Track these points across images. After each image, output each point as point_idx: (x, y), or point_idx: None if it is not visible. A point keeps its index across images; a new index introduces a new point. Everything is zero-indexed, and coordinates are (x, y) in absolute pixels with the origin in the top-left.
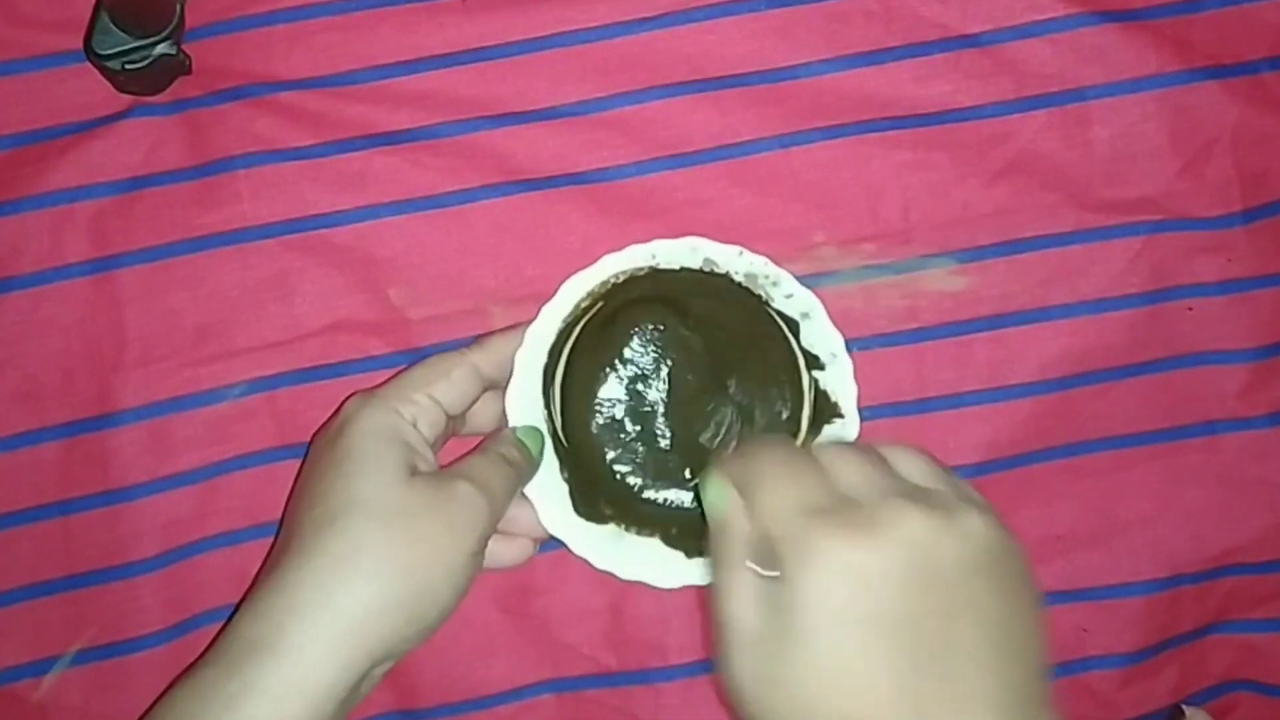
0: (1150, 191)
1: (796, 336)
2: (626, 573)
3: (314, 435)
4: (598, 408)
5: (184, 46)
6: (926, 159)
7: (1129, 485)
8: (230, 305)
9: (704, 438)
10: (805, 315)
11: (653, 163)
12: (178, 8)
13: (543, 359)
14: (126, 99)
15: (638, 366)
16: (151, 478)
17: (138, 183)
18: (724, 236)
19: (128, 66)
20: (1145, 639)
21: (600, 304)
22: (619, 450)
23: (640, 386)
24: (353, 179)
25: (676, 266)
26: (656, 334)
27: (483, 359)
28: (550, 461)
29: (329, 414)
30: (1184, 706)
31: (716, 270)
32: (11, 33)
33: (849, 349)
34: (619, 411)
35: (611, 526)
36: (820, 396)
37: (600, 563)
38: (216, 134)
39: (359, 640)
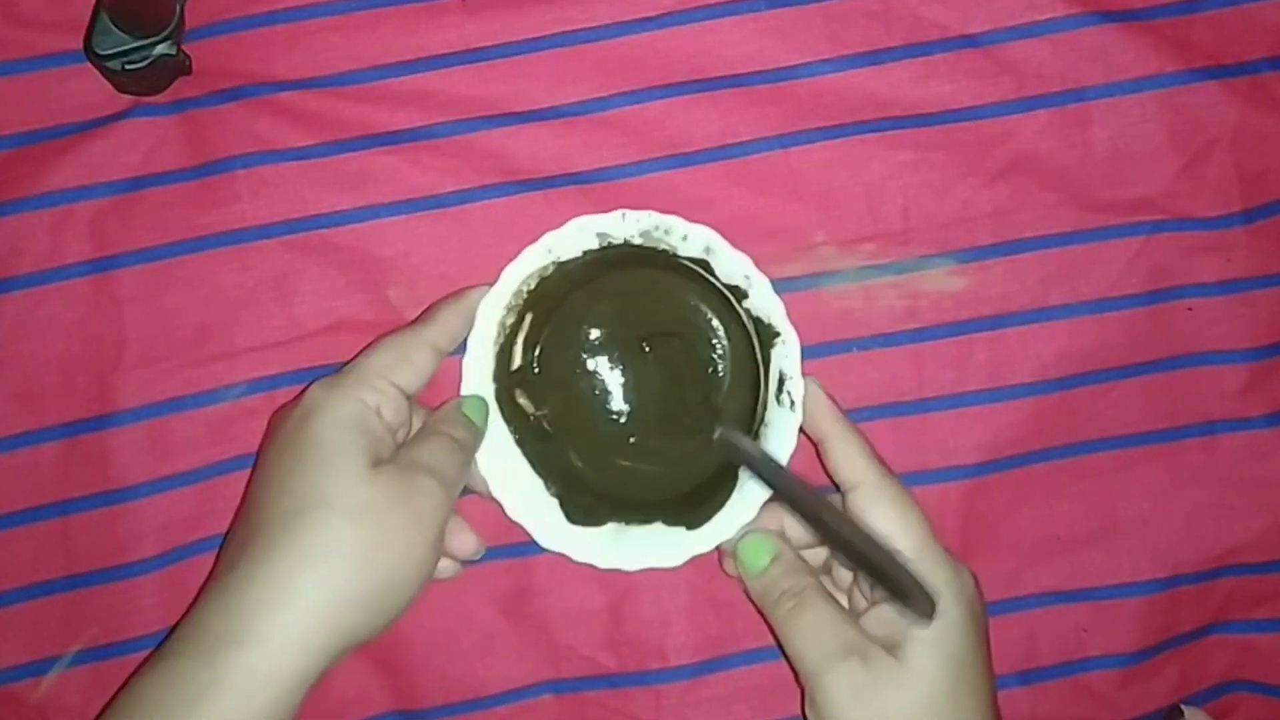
0: (1150, 192)
1: (711, 274)
2: (632, 564)
3: (273, 416)
4: (577, 410)
5: (184, 46)
6: (926, 159)
7: (1129, 485)
8: (230, 305)
9: (673, 409)
10: (708, 250)
11: (653, 163)
12: (178, 8)
13: (490, 386)
14: (126, 99)
15: (594, 360)
16: (151, 478)
17: (138, 183)
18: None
19: (128, 66)
20: (1145, 639)
21: (526, 314)
22: (613, 441)
23: (602, 379)
24: (353, 179)
25: (578, 252)
26: (592, 328)
27: (438, 335)
28: (534, 483)
29: None
30: (1182, 707)
31: (614, 241)
32: (11, 33)
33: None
34: (594, 409)
35: (611, 525)
36: (758, 324)
37: (604, 563)
38: (216, 134)
39: (328, 633)
